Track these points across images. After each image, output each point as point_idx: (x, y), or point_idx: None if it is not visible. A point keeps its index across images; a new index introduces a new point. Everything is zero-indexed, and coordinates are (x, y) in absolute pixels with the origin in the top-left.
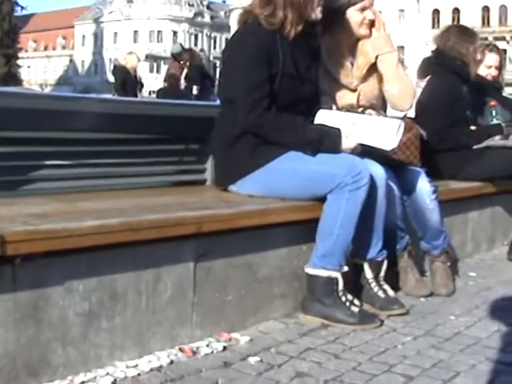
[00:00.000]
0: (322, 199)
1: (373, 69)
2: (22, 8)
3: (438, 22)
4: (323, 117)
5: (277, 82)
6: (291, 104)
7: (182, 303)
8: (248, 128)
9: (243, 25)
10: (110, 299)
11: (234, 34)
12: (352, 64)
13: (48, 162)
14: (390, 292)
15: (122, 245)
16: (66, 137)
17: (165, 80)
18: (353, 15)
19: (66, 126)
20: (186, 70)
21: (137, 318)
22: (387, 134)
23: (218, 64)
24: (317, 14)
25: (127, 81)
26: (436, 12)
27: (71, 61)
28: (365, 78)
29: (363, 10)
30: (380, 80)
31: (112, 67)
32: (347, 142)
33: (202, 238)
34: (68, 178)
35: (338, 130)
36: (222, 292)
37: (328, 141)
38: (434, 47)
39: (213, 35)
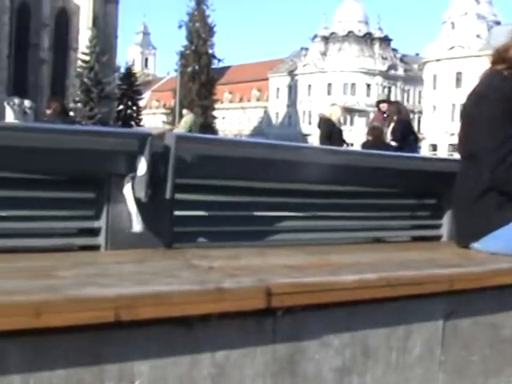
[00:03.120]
0: None
1: None
2: (219, 61)
3: None
4: None
5: None
6: None
7: (430, 361)
8: (494, 184)
9: (490, 74)
10: (362, 355)
11: (475, 88)
12: None
13: (291, 214)
14: None
15: (376, 300)
16: (304, 188)
17: (368, 133)
18: None
19: (304, 177)
20: (392, 124)
21: (387, 375)
22: None
23: (411, 117)
24: None
25: (333, 133)
26: None
27: (265, 112)
28: None
29: None
30: None
31: (317, 120)
32: None
33: (452, 295)
34: (308, 230)
35: None
36: (468, 351)
37: None
38: None
39: (406, 88)
